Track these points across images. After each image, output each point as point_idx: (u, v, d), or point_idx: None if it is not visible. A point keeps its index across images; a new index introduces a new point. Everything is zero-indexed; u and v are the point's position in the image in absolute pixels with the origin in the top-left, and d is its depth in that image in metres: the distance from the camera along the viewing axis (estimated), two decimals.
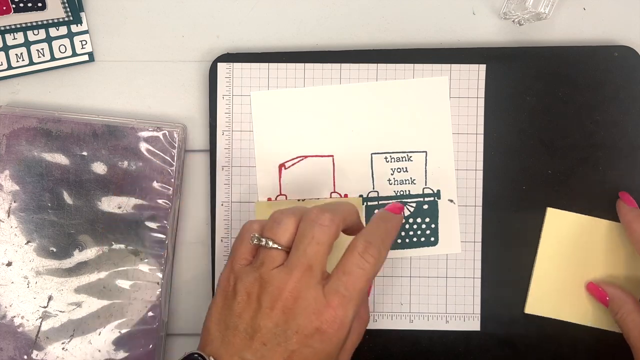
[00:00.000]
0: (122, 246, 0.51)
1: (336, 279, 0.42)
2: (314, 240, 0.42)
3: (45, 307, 0.51)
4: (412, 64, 0.52)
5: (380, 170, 0.52)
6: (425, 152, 0.52)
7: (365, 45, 0.53)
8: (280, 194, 0.52)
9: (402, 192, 0.52)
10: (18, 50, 0.52)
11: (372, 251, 0.43)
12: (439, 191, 0.52)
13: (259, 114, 0.52)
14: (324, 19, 0.53)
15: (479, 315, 0.52)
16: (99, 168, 0.51)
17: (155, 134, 0.51)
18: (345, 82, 0.52)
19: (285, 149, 0.52)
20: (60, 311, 0.51)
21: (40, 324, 0.51)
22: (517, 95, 0.52)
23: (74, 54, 0.52)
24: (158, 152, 0.51)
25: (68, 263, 0.51)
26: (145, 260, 0.51)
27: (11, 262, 0.51)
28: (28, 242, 0.51)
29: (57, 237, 0.51)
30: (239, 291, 0.43)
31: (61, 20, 0.51)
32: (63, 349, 0.51)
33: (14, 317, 0.51)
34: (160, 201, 0.51)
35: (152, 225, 0.51)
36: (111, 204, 0.51)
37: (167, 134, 0.51)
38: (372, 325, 0.52)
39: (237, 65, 0.52)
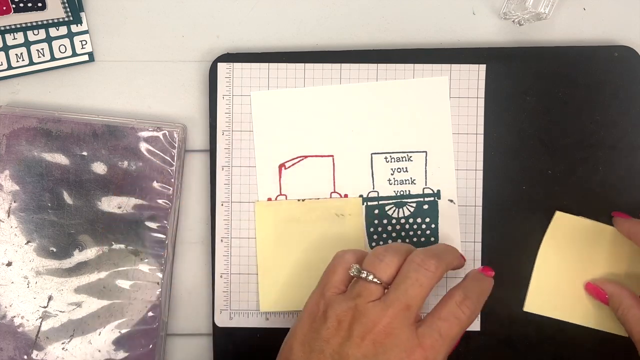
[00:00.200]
0: (122, 246, 0.51)
1: (431, 323, 0.43)
2: (417, 282, 0.43)
3: (45, 307, 0.51)
4: (412, 64, 0.52)
5: (380, 170, 0.52)
6: (425, 152, 0.52)
7: (365, 45, 0.53)
8: (280, 194, 0.52)
9: (402, 192, 0.52)
10: (18, 50, 0.52)
11: (469, 304, 0.44)
12: (439, 191, 0.52)
13: (259, 114, 0.52)
14: (324, 19, 0.53)
15: (479, 316, 0.52)
16: (99, 168, 0.51)
17: (155, 134, 0.51)
18: (345, 82, 0.52)
19: (285, 149, 0.52)
20: (60, 311, 0.51)
21: (40, 324, 0.51)
22: (517, 95, 0.52)
23: (74, 54, 0.52)
24: (158, 152, 0.51)
25: (68, 263, 0.51)
26: (145, 260, 0.51)
27: (11, 262, 0.51)
28: (28, 242, 0.51)
29: (57, 237, 0.51)
30: (329, 317, 0.43)
31: (61, 20, 0.51)
32: (63, 349, 0.51)
33: (14, 317, 0.51)
34: (160, 201, 0.51)
35: (152, 225, 0.51)
36: (111, 204, 0.51)
37: (167, 134, 0.51)
38: None
39: (237, 65, 0.52)
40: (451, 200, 0.52)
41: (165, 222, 0.51)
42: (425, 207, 0.52)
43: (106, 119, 0.51)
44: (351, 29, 0.53)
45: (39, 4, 0.50)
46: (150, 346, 0.51)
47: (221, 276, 0.52)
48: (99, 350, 0.51)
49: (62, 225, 0.51)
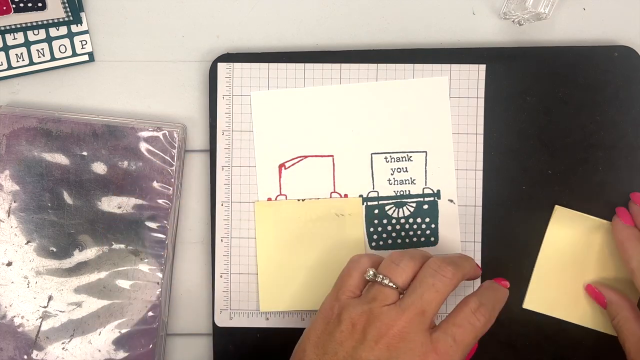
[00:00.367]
0: (122, 246, 0.51)
1: (445, 329, 0.43)
2: (434, 288, 0.43)
3: (45, 307, 0.51)
4: (412, 64, 0.52)
5: (380, 170, 0.52)
6: (425, 152, 0.52)
7: (365, 45, 0.53)
8: (280, 194, 0.52)
9: (402, 192, 0.52)
10: (18, 50, 0.52)
11: (484, 311, 0.44)
12: (439, 191, 0.52)
13: (259, 114, 0.52)
14: (324, 19, 0.53)
15: None
16: (99, 168, 0.51)
17: (155, 134, 0.51)
18: (345, 82, 0.52)
19: (285, 149, 0.52)
20: (60, 311, 0.51)
21: (40, 323, 0.51)
22: (517, 95, 0.52)
23: (74, 54, 0.52)
24: (158, 152, 0.51)
25: (68, 263, 0.51)
26: (145, 260, 0.51)
27: (11, 262, 0.51)
28: (28, 242, 0.51)
29: (57, 237, 0.51)
30: (343, 320, 0.43)
31: (61, 20, 0.51)
32: (63, 348, 0.51)
33: (14, 317, 0.51)
34: (160, 201, 0.51)
35: (152, 225, 0.51)
36: (111, 204, 0.51)
37: (167, 134, 0.51)
38: None
39: (237, 65, 0.52)
40: (451, 200, 0.52)
41: (165, 222, 0.51)
42: (425, 207, 0.52)
43: (106, 119, 0.51)
44: (351, 29, 0.53)
45: (39, 4, 0.50)
46: (150, 346, 0.51)
47: (221, 276, 0.52)
48: (99, 350, 0.51)
49: (62, 225, 0.51)
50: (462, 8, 0.53)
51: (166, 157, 0.51)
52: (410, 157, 0.52)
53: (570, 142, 0.52)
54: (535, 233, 0.52)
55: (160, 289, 0.51)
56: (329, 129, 0.52)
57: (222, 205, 0.52)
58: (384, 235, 0.52)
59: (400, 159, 0.52)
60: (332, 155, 0.52)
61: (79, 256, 0.51)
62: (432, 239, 0.52)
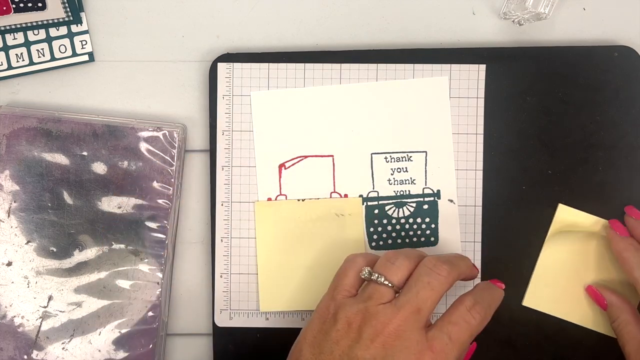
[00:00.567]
0: (122, 246, 0.51)
1: (441, 327, 0.43)
2: (429, 286, 0.43)
3: (45, 307, 0.51)
4: (412, 64, 0.52)
5: (380, 170, 0.52)
6: (425, 152, 0.52)
7: (365, 45, 0.53)
8: (280, 194, 0.52)
9: (402, 192, 0.52)
10: (18, 50, 0.52)
11: (479, 309, 0.44)
12: (439, 191, 0.52)
13: (259, 114, 0.52)
14: (324, 19, 0.53)
15: None
16: (99, 168, 0.51)
17: (155, 134, 0.51)
18: (345, 82, 0.52)
19: (285, 149, 0.52)
20: (60, 311, 0.51)
21: (40, 323, 0.51)
22: (517, 95, 0.52)
23: (74, 54, 0.52)
24: (158, 152, 0.51)
25: (68, 263, 0.51)
26: (145, 260, 0.51)
27: (11, 262, 0.51)
28: (28, 242, 0.51)
29: (57, 237, 0.51)
30: (339, 319, 0.43)
31: (61, 20, 0.51)
32: (63, 348, 0.51)
33: (14, 317, 0.51)
34: (160, 201, 0.51)
35: (152, 225, 0.51)
36: (111, 204, 0.51)
37: (167, 134, 0.51)
38: None
39: (237, 65, 0.52)
40: (451, 200, 0.52)
41: (165, 222, 0.51)
42: (425, 207, 0.52)
43: (106, 119, 0.51)
44: (351, 29, 0.53)
45: (39, 4, 0.50)
46: (150, 346, 0.51)
47: (221, 276, 0.52)
48: (99, 350, 0.51)
49: (62, 225, 0.51)
50: (462, 8, 0.53)
51: (166, 157, 0.51)
52: (410, 157, 0.52)
53: (570, 142, 0.52)
54: (535, 233, 0.52)
55: (160, 289, 0.51)
56: (329, 129, 0.52)
57: (222, 205, 0.52)
58: (384, 235, 0.52)
59: (400, 159, 0.52)
60: (332, 155, 0.52)
61: (79, 256, 0.51)
62: (432, 239, 0.52)
